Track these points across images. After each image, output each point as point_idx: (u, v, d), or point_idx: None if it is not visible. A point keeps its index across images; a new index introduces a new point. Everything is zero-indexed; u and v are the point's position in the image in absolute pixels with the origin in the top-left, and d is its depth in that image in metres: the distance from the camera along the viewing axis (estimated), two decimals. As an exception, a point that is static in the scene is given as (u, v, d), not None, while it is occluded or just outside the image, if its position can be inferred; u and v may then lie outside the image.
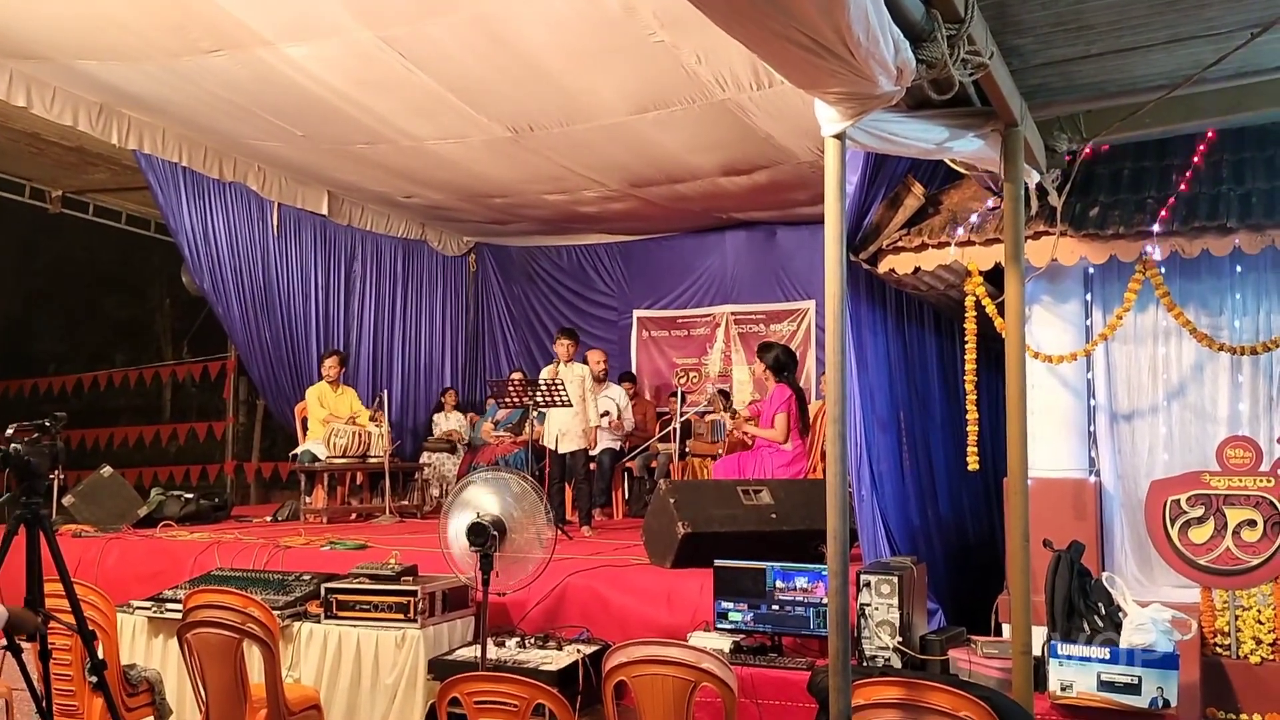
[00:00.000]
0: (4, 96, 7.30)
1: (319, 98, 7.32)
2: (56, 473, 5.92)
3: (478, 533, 4.55)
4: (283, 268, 9.98)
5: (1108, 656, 4.14)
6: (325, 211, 10.33)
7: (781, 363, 7.59)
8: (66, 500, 7.94)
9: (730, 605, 5.07)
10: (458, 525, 4.76)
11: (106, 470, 8.34)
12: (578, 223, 11.19)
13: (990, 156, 4.18)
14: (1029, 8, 3.67)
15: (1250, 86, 4.46)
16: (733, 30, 2.83)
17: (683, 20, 5.72)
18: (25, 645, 3.42)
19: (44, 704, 3.46)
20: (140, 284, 17.37)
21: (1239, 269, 5.53)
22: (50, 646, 3.51)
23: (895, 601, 4.62)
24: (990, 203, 5.63)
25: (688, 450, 9.65)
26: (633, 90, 7.06)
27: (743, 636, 5.05)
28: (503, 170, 9.00)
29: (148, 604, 5.79)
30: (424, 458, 10.49)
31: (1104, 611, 4.49)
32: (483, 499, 4.76)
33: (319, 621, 5.43)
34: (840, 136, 3.37)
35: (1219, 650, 5.10)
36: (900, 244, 5.74)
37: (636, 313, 11.87)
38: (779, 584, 4.97)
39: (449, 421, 10.96)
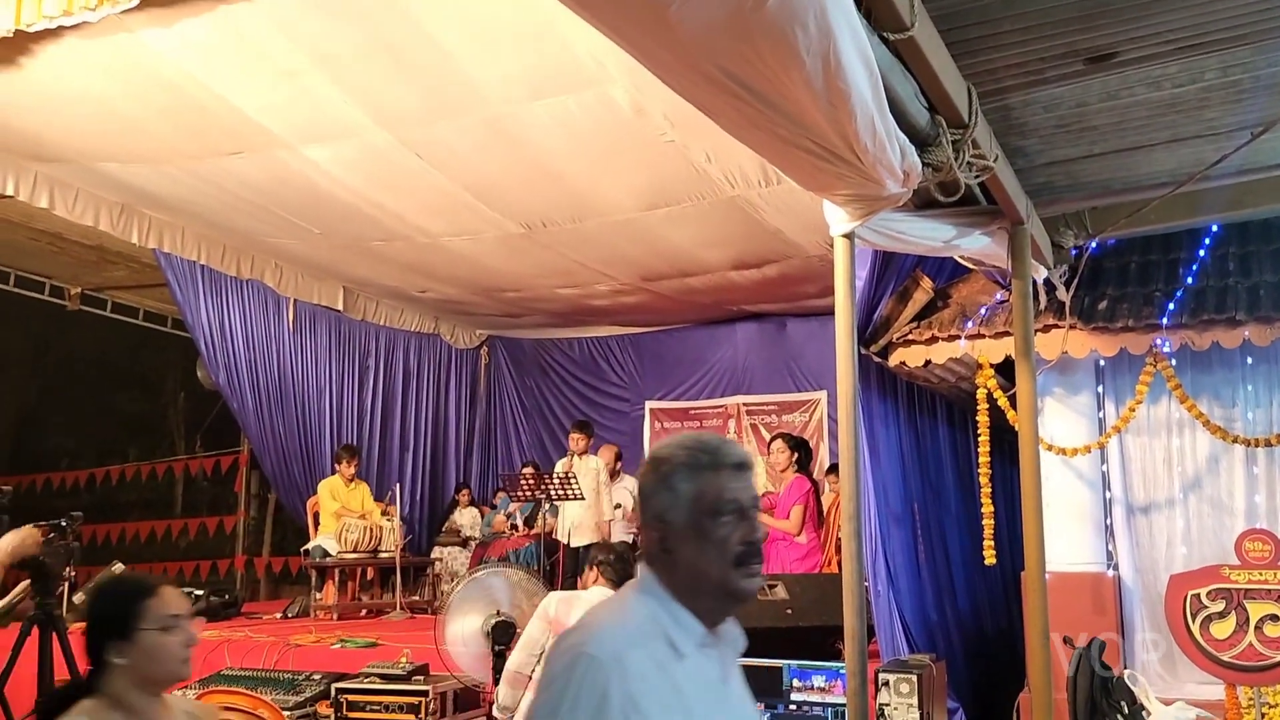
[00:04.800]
0: (27, 198, 7.44)
1: (336, 197, 7.47)
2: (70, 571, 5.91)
3: (502, 631, 4.46)
4: (298, 362, 10.05)
5: (1133, 758, 4.05)
6: (340, 307, 10.44)
7: (801, 454, 7.57)
8: (77, 598, 7.88)
9: (746, 705, 4.98)
10: (461, 624, 4.64)
11: (118, 567, 8.25)
12: (589, 315, 11.28)
13: (998, 253, 4.24)
14: (1032, 110, 3.76)
15: (1253, 184, 4.54)
16: (743, 137, 2.90)
17: (693, 121, 5.80)
18: None
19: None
20: (154, 379, 17.49)
21: (1249, 360, 5.55)
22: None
23: (915, 701, 4.54)
24: (999, 296, 5.68)
25: (701, 543, 9.54)
26: (643, 187, 7.18)
27: (760, 737, 4.96)
28: (515, 265, 9.11)
29: (157, 705, 5.71)
30: (435, 552, 10.42)
31: (1127, 710, 4.41)
32: (482, 597, 4.66)
33: (329, 722, 5.36)
34: (849, 236, 3.43)
35: (1247, 749, 4.99)
36: (910, 337, 5.78)
37: (649, 404, 11.87)
38: (796, 683, 4.89)
39: (463, 518, 10.90)
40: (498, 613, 4.52)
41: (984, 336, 5.59)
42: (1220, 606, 5.00)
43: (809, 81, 2.38)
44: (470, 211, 7.70)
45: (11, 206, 7.80)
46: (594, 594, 4.32)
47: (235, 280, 9.34)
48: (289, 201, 7.72)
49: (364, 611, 8.97)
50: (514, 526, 10.25)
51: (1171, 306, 5.24)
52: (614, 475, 9.40)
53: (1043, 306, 5.34)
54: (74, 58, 5.65)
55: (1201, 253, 5.45)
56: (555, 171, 6.94)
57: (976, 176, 3.50)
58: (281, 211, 7.97)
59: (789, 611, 6.11)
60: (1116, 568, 5.66)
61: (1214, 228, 5.47)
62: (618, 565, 4.43)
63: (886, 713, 4.54)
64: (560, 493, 7.92)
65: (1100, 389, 5.80)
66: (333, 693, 5.42)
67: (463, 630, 4.62)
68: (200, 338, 9.20)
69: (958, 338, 5.65)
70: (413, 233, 8.28)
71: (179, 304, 9.06)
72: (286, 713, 4.95)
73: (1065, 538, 5.54)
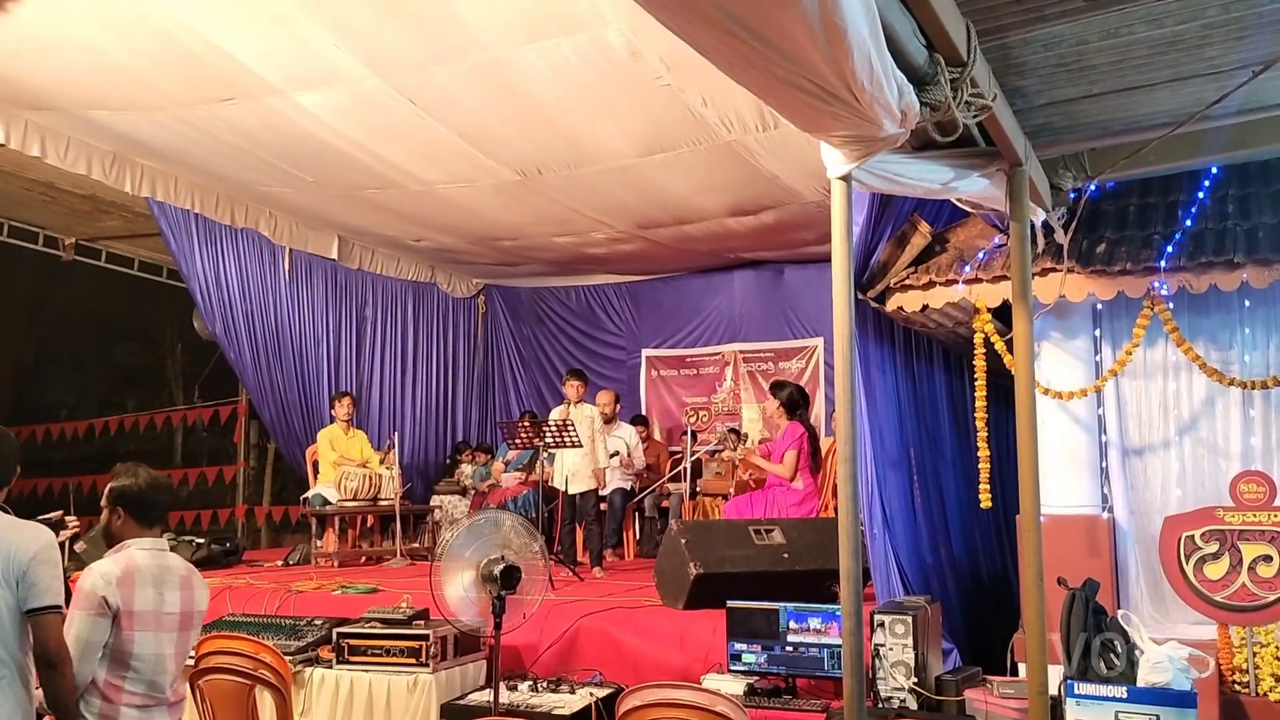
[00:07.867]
0: (18, 146, 7.37)
1: (330, 144, 7.40)
2: (69, 519, 5.96)
3: (508, 576, 4.49)
4: (294, 312, 10.03)
5: (1125, 695, 4.10)
6: (336, 256, 10.40)
7: (794, 401, 7.60)
8: (79, 546, 7.94)
9: (743, 647, 5.05)
10: (459, 570, 4.66)
11: (120, 517, 8.32)
12: (586, 264, 11.24)
13: (996, 196, 4.21)
14: (1031, 49, 3.71)
15: (1253, 123, 4.50)
16: (738, 77, 2.87)
17: (689, 64, 5.77)
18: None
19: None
20: (151, 330, 17.48)
21: (1247, 303, 5.54)
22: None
23: (910, 641, 4.59)
24: (997, 240, 5.66)
25: (699, 489, 9.63)
26: (639, 133, 7.12)
27: (756, 678, 5.02)
28: (511, 213, 9.06)
29: (160, 651, 5.77)
30: (434, 500, 10.48)
31: (1120, 650, 4.45)
32: (479, 543, 4.68)
33: (331, 666, 5.43)
34: (846, 178, 3.40)
35: (1238, 688, 5.05)
36: (908, 282, 5.77)
37: (645, 352, 11.90)
38: (792, 625, 4.95)
39: (465, 473, 10.92)
40: (502, 558, 4.55)
41: (981, 281, 5.58)
42: (1214, 548, 5.05)
43: (805, 18, 2.35)
44: (465, 159, 7.64)
45: (3, 155, 7.75)
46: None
47: (230, 229, 9.28)
48: (282, 149, 7.66)
49: (364, 558, 9.05)
50: (508, 464, 10.28)
51: (1170, 249, 5.22)
52: (609, 421, 9.44)
53: (1040, 250, 5.32)
54: (63, 3, 5.57)
55: (1201, 195, 5.42)
56: (550, 117, 6.87)
57: (975, 116, 3.47)
58: (275, 159, 7.90)
59: (786, 555, 6.17)
60: (1111, 510, 5.70)
61: (1213, 170, 5.44)
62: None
63: (881, 653, 4.59)
64: (557, 440, 7.95)
65: (1097, 333, 5.80)
66: (334, 637, 5.47)
67: (461, 576, 4.66)
68: (196, 288, 9.17)
69: (955, 282, 5.64)
70: (407, 181, 8.22)
71: (173, 254, 9.01)
72: (289, 657, 5.00)
73: (1060, 481, 5.58)
